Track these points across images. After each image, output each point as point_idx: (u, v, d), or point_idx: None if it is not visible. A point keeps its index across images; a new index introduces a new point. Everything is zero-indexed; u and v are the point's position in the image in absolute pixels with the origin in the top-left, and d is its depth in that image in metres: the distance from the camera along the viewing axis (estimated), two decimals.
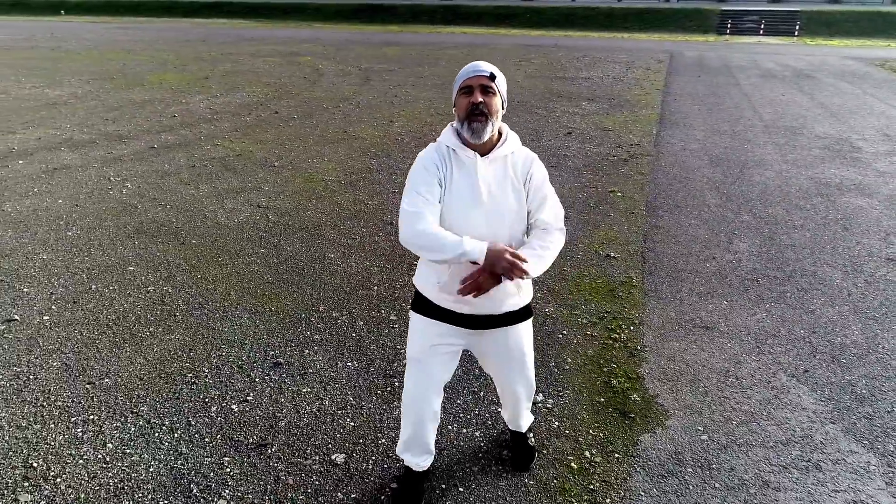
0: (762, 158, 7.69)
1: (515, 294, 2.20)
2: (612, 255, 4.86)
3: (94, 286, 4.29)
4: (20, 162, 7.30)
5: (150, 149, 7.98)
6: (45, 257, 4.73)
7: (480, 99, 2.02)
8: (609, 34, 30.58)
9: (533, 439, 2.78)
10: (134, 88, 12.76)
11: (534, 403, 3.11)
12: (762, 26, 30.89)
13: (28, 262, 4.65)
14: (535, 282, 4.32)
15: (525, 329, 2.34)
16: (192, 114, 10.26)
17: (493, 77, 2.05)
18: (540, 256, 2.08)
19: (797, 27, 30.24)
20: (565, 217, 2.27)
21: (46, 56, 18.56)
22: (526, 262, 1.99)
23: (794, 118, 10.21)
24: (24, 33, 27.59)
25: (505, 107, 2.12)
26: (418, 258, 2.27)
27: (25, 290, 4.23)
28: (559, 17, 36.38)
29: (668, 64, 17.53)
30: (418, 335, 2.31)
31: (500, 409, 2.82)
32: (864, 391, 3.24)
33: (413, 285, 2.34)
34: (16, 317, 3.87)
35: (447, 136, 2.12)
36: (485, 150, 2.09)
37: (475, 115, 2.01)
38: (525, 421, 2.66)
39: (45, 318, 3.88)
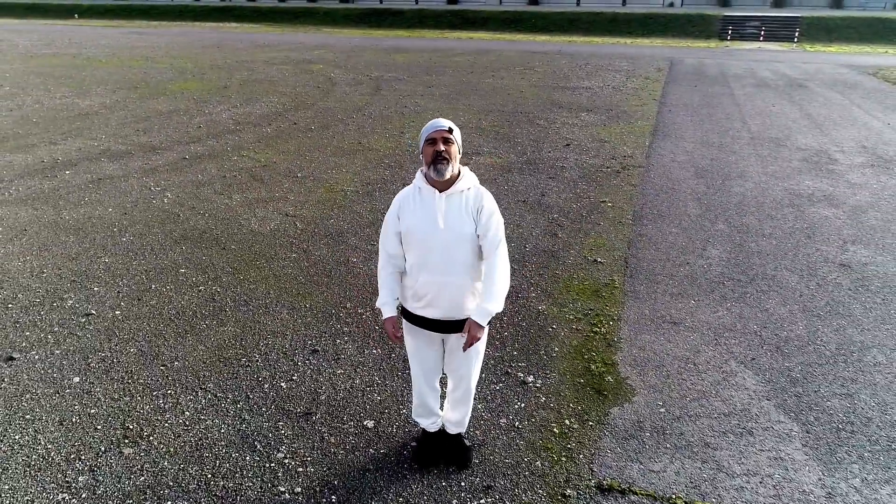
0: (744, 170, 8.37)
1: (472, 302, 2.80)
2: (599, 259, 5.56)
3: (153, 286, 5.02)
4: (67, 172, 8.06)
5: (183, 159, 8.73)
6: (106, 260, 5.47)
7: (442, 147, 2.68)
8: (613, 39, 31.24)
9: (468, 441, 3.28)
10: (158, 98, 13.54)
11: (524, 384, 3.82)
12: (762, 32, 31.45)
13: (93, 264, 5.39)
14: (531, 284, 5.03)
15: (481, 334, 2.93)
16: (217, 124, 11.02)
17: (450, 130, 2.72)
18: (493, 294, 2.71)
19: (797, 33, 30.79)
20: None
21: (70, 63, 19.39)
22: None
23: (781, 129, 10.87)
24: (43, 38, 28.49)
25: (461, 152, 2.79)
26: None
27: (95, 288, 4.96)
28: (564, 21, 37.02)
29: (667, 73, 18.19)
30: (408, 336, 3.04)
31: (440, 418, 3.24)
32: (798, 375, 3.93)
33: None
34: (92, 311, 4.61)
35: (418, 178, 2.77)
36: (444, 188, 2.71)
37: (439, 159, 2.68)
38: (466, 419, 3.16)
39: (116, 312, 4.61)
